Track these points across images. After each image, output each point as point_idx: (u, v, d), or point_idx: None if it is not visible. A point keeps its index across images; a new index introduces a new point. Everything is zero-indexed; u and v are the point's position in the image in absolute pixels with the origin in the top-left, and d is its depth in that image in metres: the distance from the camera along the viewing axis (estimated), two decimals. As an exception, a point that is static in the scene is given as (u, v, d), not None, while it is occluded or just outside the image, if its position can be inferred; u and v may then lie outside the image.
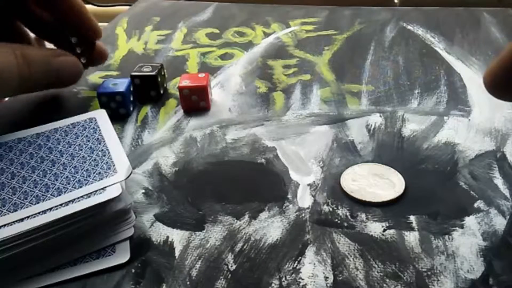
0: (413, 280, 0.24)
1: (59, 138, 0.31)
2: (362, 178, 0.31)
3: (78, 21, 0.39)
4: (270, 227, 0.28)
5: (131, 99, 0.39)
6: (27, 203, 0.26)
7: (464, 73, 0.43)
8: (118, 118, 0.38)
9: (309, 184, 0.31)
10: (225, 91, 0.42)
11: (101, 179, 0.27)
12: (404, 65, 0.45)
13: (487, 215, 0.28)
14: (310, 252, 0.26)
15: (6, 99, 0.46)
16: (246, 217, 0.29)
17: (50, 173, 0.28)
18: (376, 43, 0.49)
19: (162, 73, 0.42)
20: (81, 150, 0.30)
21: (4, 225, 0.25)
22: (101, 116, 0.33)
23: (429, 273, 0.25)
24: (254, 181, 0.32)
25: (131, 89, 0.40)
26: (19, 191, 0.27)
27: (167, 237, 0.28)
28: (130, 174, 0.28)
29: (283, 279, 0.25)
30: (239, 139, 0.36)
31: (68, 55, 0.37)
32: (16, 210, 0.25)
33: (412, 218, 0.28)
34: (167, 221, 0.29)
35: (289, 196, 0.30)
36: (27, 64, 0.33)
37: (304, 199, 0.30)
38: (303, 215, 0.29)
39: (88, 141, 0.30)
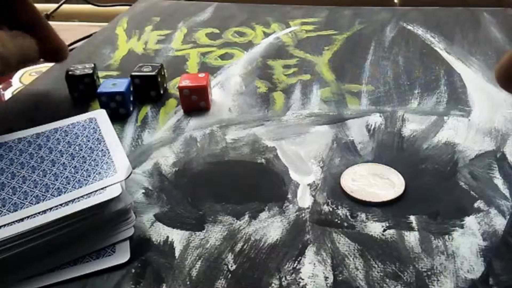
0: (413, 280, 0.24)
1: (59, 138, 0.31)
2: (362, 178, 0.31)
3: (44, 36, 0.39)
4: (270, 227, 0.28)
5: (131, 99, 0.39)
6: (27, 203, 0.26)
7: (464, 73, 0.43)
8: (118, 118, 0.38)
9: (309, 184, 0.31)
10: (225, 91, 0.42)
11: (101, 179, 0.27)
12: (404, 65, 0.44)
13: (487, 215, 0.28)
14: (310, 252, 0.26)
15: (6, 98, 0.46)
16: (246, 217, 0.29)
17: (50, 173, 0.28)
18: (376, 43, 0.49)
19: (162, 73, 0.42)
20: (81, 150, 0.30)
21: (4, 225, 0.25)
22: (101, 116, 0.33)
23: (429, 273, 0.25)
24: (254, 181, 0.32)
25: (131, 89, 0.40)
26: (19, 191, 0.27)
27: (167, 237, 0.28)
28: (130, 174, 0.28)
29: (283, 279, 0.25)
30: (239, 139, 0.36)
31: (25, 36, 0.36)
32: (16, 210, 0.25)
33: (412, 218, 0.28)
34: (167, 221, 0.29)
35: (289, 196, 0.30)
36: None
37: (304, 199, 0.30)
38: (303, 215, 0.29)
39: (88, 141, 0.30)
